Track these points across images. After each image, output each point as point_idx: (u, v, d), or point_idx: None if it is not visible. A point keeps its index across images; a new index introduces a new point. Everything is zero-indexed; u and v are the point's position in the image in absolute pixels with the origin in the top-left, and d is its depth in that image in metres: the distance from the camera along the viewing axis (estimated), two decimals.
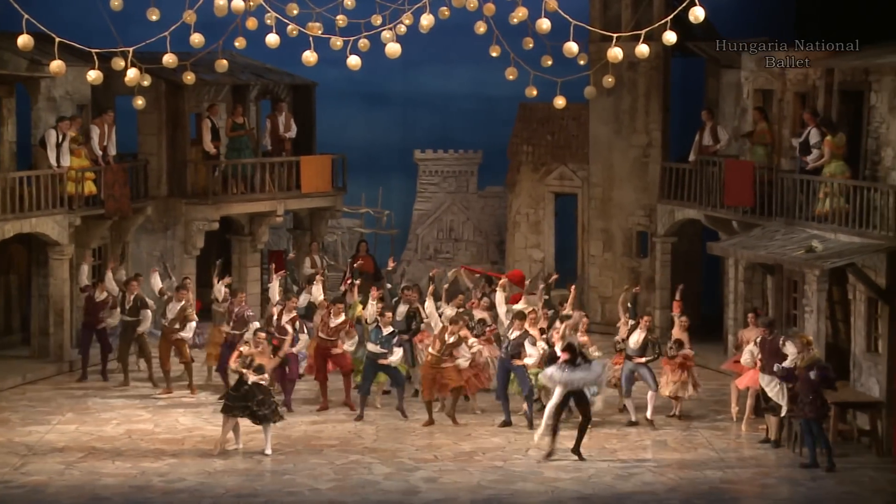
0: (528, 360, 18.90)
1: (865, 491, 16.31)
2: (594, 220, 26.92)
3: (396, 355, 19.23)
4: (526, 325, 19.08)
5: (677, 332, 19.66)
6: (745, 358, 18.58)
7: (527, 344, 18.91)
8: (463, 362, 19.09)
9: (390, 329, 19.42)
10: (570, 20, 13.46)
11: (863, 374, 19.18)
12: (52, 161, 22.43)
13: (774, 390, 18.08)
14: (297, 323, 20.26)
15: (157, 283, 21.81)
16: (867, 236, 18.84)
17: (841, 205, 19.43)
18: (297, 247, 28.16)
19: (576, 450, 17.36)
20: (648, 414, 19.24)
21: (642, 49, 13.41)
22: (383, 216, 30.00)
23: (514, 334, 18.99)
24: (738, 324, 22.74)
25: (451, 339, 18.94)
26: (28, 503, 15.50)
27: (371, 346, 19.33)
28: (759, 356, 18.32)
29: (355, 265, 23.90)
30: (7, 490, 15.88)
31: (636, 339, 19.39)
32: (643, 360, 19.26)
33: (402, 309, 20.76)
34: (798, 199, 20.63)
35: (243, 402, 17.30)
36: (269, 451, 17.45)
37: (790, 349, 17.96)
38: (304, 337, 20.18)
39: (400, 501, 15.69)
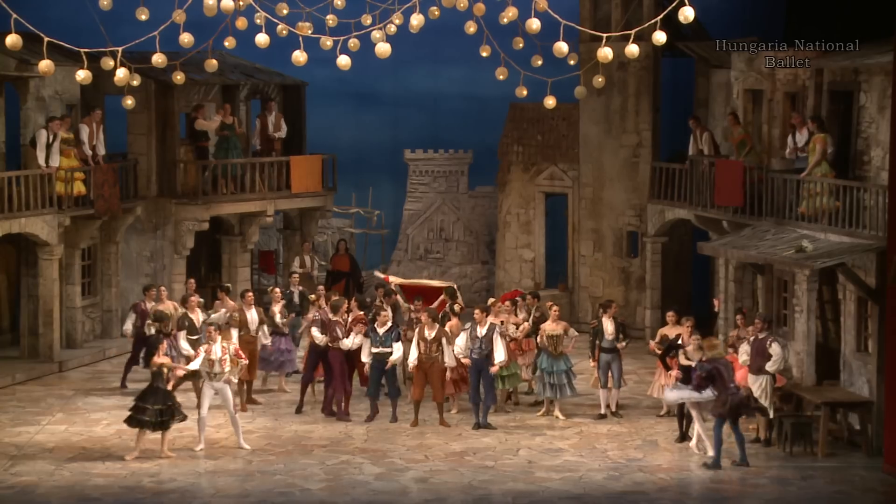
0: (498, 358, 18.84)
1: (855, 490, 16.33)
2: (585, 220, 26.93)
3: (397, 352, 19.18)
4: (490, 318, 19.17)
5: (671, 330, 19.64)
6: (744, 358, 18.57)
7: (496, 338, 18.90)
8: (449, 360, 19.13)
9: (387, 326, 19.38)
10: (560, 20, 13.44)
11: (853, 374, 19.20)
12: (42, 161, 22.37)
13: (760, 391, 18.11)
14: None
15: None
16: (857, 236, 18.86)
17: (832, 204, 19.42)
18: (287, 247, 28.18)
19: None
20: (613, 406, 19.72)
21: (632, 49, 13.40)
22: (373, 216, 29.99)
23: (482, 331, 18.97)
24: (728, 323, 22.73)
25: (432, 335, 18.99)
26: (17, 503, 15.51)
27: (375, 350, 19.26)
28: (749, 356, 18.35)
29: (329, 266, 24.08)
30: None
31: (609, 329, 19.61)
32: (621, 345, 19.64)
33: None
34: (788, 199, 20.65)
35: (151, 413, 17.13)
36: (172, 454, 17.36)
37: (775, 350, 18.02)
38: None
39: (391, 502, 15.67)
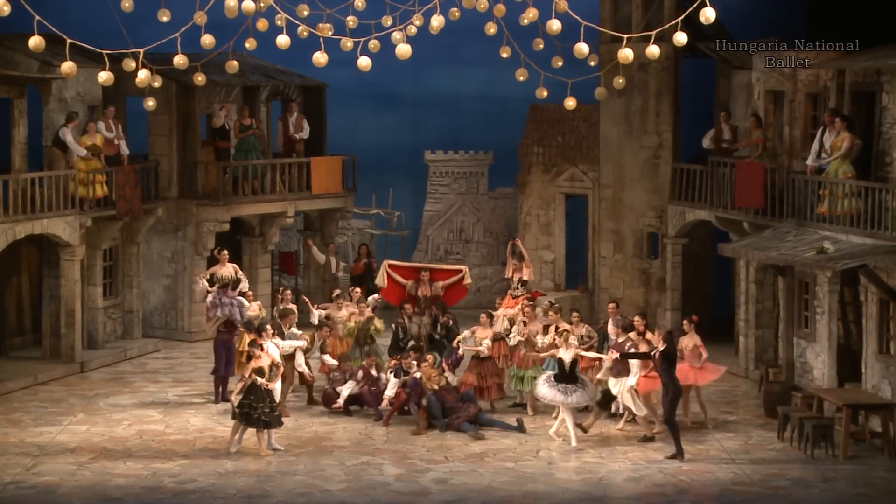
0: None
1: (878, 493, 16.26)
2: (605, 221, 26.90)
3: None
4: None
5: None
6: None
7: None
8: (484, 349, 19.59)
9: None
10: (581, 21, 13.45)
11: (874, 375, 19.13)
12: (79, 153, 22.57)
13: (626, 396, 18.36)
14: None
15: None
16: (879, 237, 18.80)
17: (855, 206, 19.32)
18: (307, 248, 28.20)
19: None
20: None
21: (653, 50, 13.38)
22: (394, 217, 30.01)
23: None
24: (749, 325, 22.71)
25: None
26: (39, 503, 15.58)
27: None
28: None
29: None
30: (19, 490, 15.93)
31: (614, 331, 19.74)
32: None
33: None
34: (810, 201, 20.59)
35: (254, 409, 17.41)
36: (280, 447, 17.70)
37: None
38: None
39: (411, 503, 15.68)
